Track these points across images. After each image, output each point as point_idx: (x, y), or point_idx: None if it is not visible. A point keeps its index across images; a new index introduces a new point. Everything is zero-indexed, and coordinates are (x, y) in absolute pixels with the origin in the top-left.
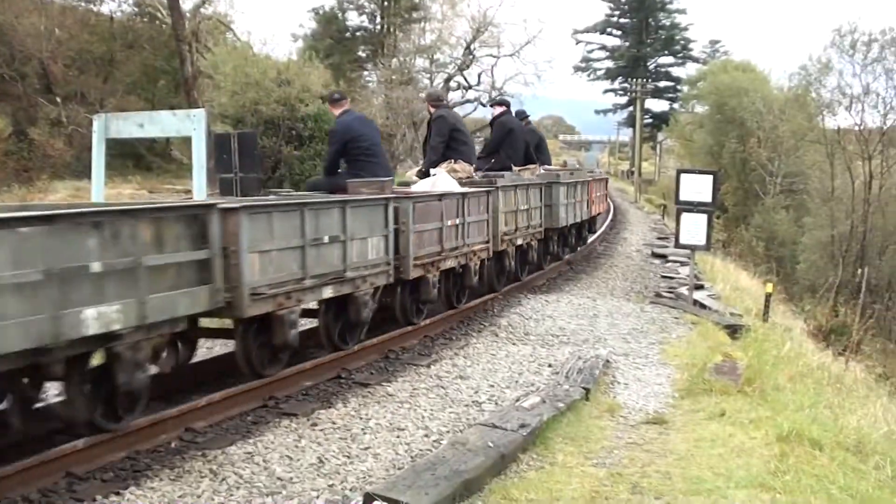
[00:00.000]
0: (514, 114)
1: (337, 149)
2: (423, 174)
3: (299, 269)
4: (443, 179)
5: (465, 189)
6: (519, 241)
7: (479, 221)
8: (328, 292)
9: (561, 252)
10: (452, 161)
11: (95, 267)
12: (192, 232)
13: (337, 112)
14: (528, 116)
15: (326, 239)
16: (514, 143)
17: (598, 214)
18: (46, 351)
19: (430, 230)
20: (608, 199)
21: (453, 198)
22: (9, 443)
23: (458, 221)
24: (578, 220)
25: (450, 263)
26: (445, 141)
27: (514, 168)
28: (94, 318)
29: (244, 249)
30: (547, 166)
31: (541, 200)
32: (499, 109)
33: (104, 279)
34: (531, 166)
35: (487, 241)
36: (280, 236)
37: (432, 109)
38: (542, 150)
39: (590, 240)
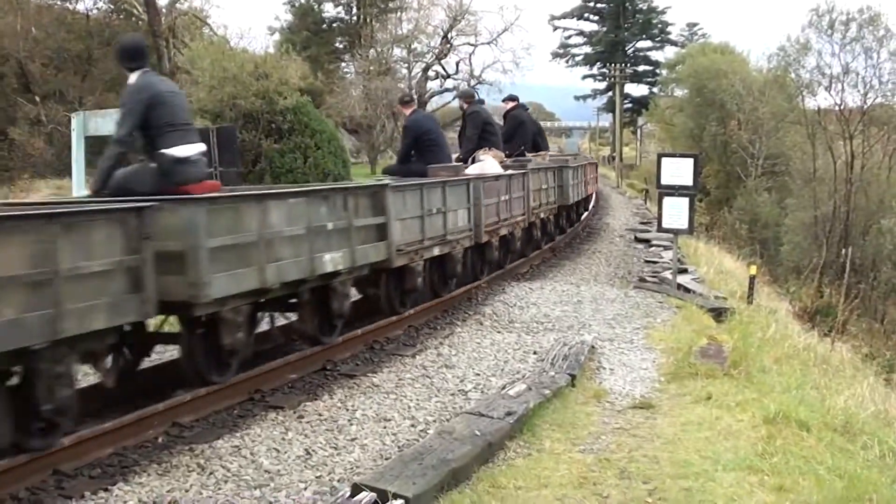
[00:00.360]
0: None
1: (409, 142)
2: (462, 161)
3: (420, 233)
4: (490, 164)
5: (510, 172)
6: (542, 215)
7: (519, 198)
8: (436, 251)
9: (566, 225)
10: (487, 149)
11: (329, 226)
12: (373, 203)
13: (407, 112)
14: (527, 109)
15: (434, 210)
16: (525, 133)
17: (591, 194)
18: (303, 282)
19: (492, 204)
20: (596, 182)
21: (504, 178)
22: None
23: (506, 198)
24: (580, 197)
25: (503, 231)
26: (479, 132)
27: (527, 154)
28: (329, 261)
29: (392, 218)
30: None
31: (555, 181)
32: (510, 104)
33: (333, 235)
34: (542, 152)
35: (524, 214)
36: (410, 209)
37: (465, 106)
38: (541, 137)
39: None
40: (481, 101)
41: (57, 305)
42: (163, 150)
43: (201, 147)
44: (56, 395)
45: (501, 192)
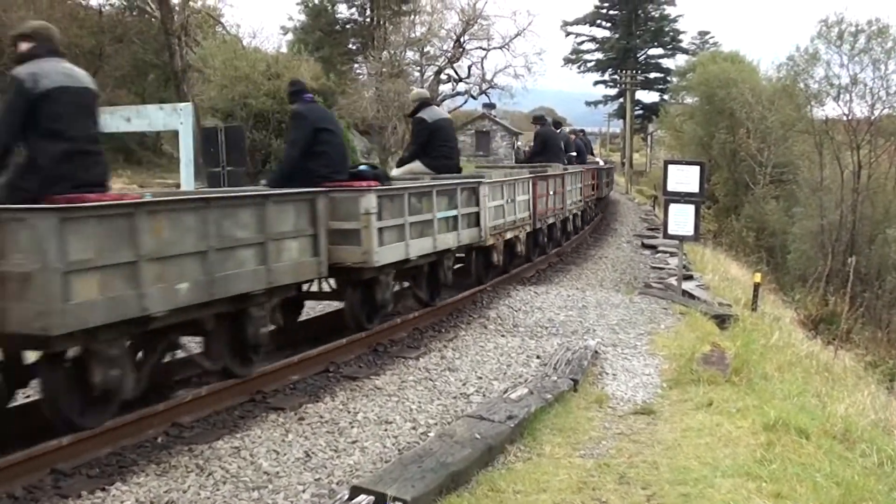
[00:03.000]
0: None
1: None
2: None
3: (503, 218)
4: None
5: (572, 168)
6: (575, 210)
7: (573, 189)
8: (509, 234)
9: (596, 212)
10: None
11: (439, 215)
12: (470, 196)
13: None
14: (558, 127)
15: (510, 200)
16: (553, 148)
17: (611, 190)
18: (428, 255)
19: (549, 195)
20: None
21: (563, 175)
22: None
23: (560, 190)
24: (606, 193)
25: (551, 220)
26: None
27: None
28: (444, 241)
29: (484, 206)
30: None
31: (595, 179)
32: (538, 126)
33: (441, 223)
34: (593, 159)
35: (580, 201)
36: (498, 198)
37: (537, 127)
38: (577, 149)
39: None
40: (554, 123)
41: (268, 262)
42: None
43: None
44: (259, 332)
45: (558, 187)
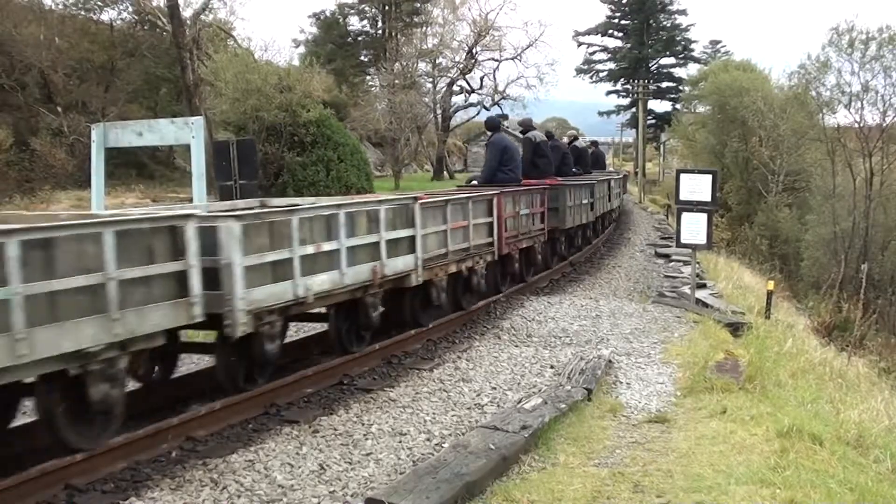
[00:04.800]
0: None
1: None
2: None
3: (587, 215)
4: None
5: (596, 177)
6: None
7: (602, 198)
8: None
9: (615, 216)
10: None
11: (480, 220)
12: (544, 197)
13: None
14: (576, 139)
15: (585, 202)
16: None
17: (621, 202)
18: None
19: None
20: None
21: (591, 183)
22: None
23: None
24: (622, 198)
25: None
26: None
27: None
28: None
29: (565, 206)
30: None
31: (614, 188)
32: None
33: (472, 229)
34: (611, 170)
35: (612, 208)
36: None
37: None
38: (591, 162)
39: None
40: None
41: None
42: None
43: None
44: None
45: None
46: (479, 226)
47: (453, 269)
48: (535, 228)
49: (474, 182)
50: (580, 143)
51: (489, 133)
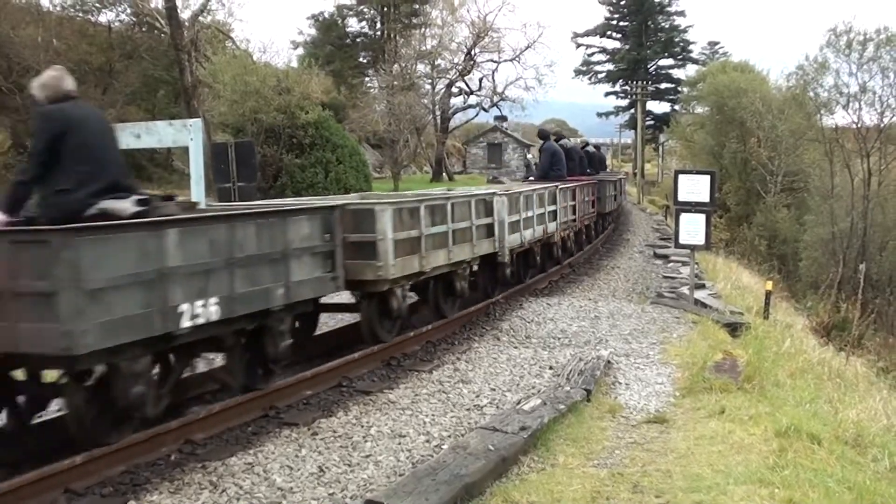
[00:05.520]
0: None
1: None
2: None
3: (612, 203)
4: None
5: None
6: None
7: (612, 195)
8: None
9: (618, 213)
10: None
11: (537, 211)
12: (595, 189)
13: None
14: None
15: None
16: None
17: (619, 203)
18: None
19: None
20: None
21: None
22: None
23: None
24: (622, 198)
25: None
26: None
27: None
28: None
29: (605, 195)
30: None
31: (615, 189)
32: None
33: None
34: (614, 171)
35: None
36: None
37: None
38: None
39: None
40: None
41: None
42: None
43: None
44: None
45: (610, 190)
46: (567, 207)
47: (560, 235)
48: (591, 211)
49: (531, 178)
50: (591, 148)
51: (542, 141)
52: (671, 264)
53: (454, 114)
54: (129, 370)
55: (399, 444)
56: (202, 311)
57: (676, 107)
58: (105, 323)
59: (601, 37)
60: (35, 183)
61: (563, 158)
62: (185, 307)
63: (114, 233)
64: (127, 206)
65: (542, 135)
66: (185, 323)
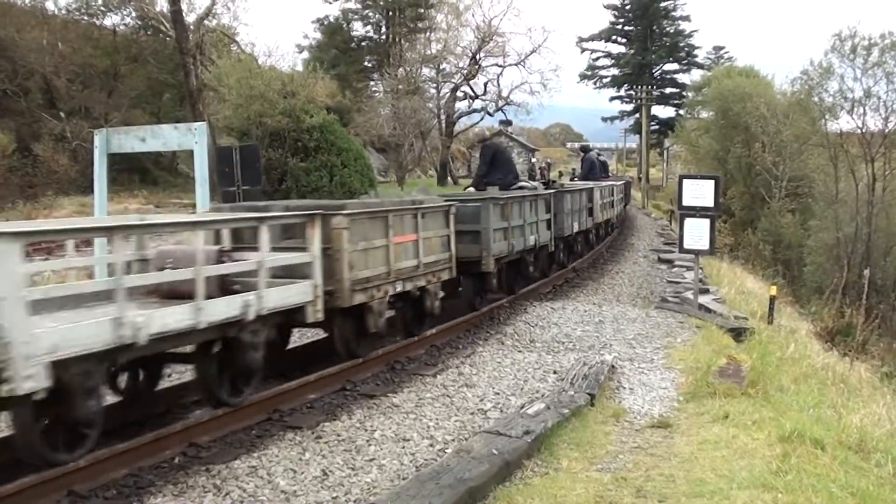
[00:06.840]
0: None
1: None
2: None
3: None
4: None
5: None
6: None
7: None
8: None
9: (623, 214)
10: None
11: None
12: (622, 187)
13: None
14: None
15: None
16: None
17: (625, 206)
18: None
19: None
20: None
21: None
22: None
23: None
24: (626, 201)
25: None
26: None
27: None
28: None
29: (629, 192)
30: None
31: (623, 192)
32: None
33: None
34: (617, 175)
35: (623, 205)
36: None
37: (582, 154)
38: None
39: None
40: (588, 148)
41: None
42: None
43: None
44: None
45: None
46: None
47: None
48: (620, 205)
49: (575, 178)
50: (604, 157)
51: (582, 153)
52: (675, 269)
53: (459, 118)
54: None
55: (403, 447)
56: None
57: (681, 111)
58: None
59: (606, 41)
60: None
61: (597, 166)
62: None
63: None
64: None
65: (585, 149)
66: None
